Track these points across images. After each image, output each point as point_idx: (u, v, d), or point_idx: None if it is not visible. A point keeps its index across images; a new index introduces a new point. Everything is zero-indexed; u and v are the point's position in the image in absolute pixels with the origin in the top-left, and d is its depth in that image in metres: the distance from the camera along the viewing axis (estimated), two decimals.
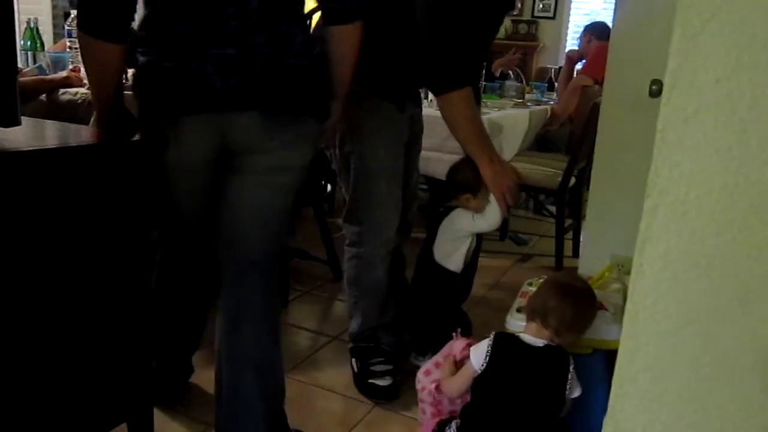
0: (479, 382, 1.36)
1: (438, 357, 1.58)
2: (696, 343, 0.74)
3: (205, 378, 1.87)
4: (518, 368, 1.36)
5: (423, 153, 2.09)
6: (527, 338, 1.37)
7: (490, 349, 1.35)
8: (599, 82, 4.03)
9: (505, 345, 1.36)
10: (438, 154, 2.62)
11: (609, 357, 1.68)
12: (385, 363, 1.92)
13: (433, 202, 2.93)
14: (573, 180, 3.05)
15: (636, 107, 1.86)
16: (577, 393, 1.37)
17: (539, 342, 1.37)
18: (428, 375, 1.57)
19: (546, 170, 3.15)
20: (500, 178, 1.73)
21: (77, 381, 1.30)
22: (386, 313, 1.96)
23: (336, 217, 3.63)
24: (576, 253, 3.27)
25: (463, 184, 1.76)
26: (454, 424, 1.39)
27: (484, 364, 1.34)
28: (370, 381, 1.88)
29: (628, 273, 1.90)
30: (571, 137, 3.65)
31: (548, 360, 1.36)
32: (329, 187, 2.89)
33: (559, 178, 3.00)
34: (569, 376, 1.35)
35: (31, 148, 1.14)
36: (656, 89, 1.64)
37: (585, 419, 1.63)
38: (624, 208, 2.00)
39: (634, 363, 0.77)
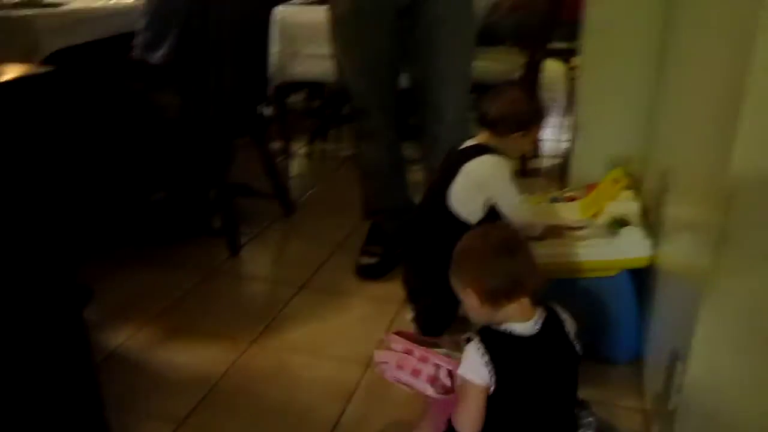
0: (494, 402, 1.05)
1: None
2: None
3: (168, 367, 1.56)
4: (530, 368, 1.07)
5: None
6: (518, 329, 1.06)
7: (488, 359, 1.03)
8: None
9: (502, 348, 1.05)
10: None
11: (633, 275, 1.49)
12: (377, 244, 1.99)
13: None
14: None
15: None
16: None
17: (533, 327, 1.06)
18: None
19: (500, 66, 2.84)
20: None
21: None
22: (384, 198, 2.01)
23: (275, 140, 3.21)
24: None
25: (515, 118, 1.39)
26: None
27: (492, 380, 1.03)
28: (357, 259, 1.98)
29: (631, 174, 1.68)
30: (520, 28, 3.35)
31: (552, 342, 1.09)
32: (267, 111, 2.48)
33: (518, 74, 2.71)
34: (572, 338, 1.10)
35: None
36: None
37: (614, 342, 1.51)
38: (617, 104, 1.76)
39: None
